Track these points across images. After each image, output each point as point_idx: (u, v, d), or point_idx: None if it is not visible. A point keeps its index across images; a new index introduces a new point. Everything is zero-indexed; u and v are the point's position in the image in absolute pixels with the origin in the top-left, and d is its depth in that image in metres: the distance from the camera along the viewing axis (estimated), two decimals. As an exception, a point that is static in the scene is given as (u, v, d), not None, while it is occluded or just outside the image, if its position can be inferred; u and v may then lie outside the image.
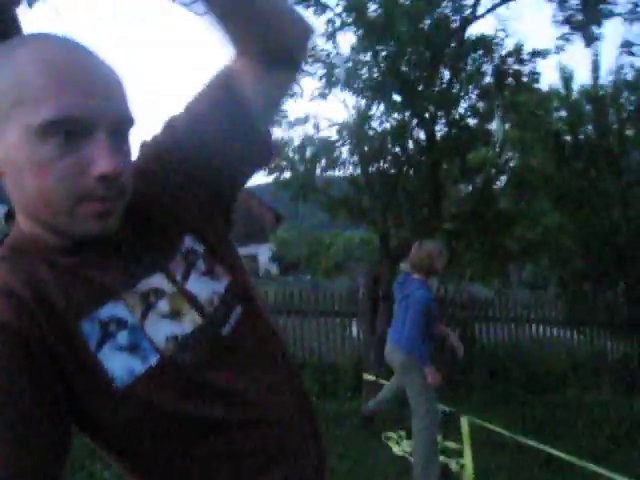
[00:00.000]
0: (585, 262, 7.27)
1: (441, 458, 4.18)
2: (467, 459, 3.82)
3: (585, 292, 7.24)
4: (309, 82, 6.55)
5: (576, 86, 7.34)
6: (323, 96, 5.66)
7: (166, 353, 0.77)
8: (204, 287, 0.85)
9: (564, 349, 7.13)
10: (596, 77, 7.23)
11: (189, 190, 0.90)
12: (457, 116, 5.31)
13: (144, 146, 0.92)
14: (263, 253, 24.91)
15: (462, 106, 5.62)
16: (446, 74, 5.62)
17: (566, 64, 7.53)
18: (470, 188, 6.14)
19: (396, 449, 4.55)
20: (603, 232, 7.07)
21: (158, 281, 0.81)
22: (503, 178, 6.54)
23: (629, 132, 7.20)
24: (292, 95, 5.68)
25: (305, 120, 5.61)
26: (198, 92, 0.91)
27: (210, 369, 0.80)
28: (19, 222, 0.79)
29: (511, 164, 6.88)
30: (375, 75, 4.94)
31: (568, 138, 7.30)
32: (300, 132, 5.58)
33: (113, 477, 3.48)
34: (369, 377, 5.28)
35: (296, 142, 5.47)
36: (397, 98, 5.01)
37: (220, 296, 0.86)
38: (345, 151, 5.30)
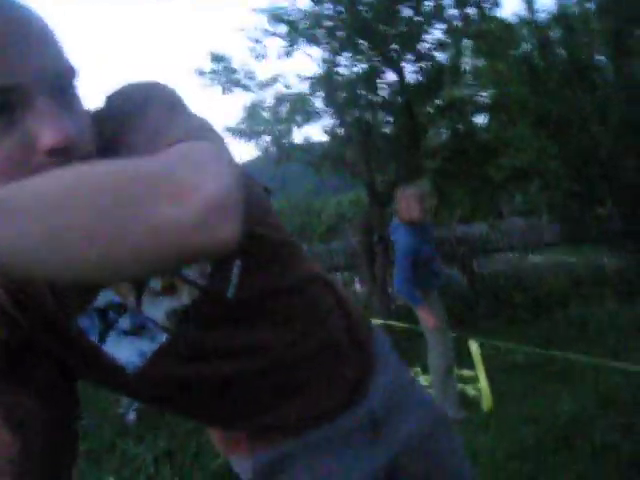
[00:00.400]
0: (572, 182, 7.31)
1: (458, 386, 4.29)
2: (482, 382, 3.92)
3: (575, 211, 7.30)
4: (273, 42, 6.50)
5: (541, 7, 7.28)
6: (288, 54, 5.63)
7: (170, 328, 0.76)
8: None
9: (563, 269, 7.24)
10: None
11: None
12: (423, 52, 5.30)
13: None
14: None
15: (428, 42, 5.59)
16: (407, 12, 5.58)
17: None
18: (448, 126, 6.13)
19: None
20: (585, 149, 7.10)
21: None
22: (481, 111, 6.51)
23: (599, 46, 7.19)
24: (258, 57, 5.65)
25: (274, 80, 5.58)
26: None
27: (218, 332, 0.78)
28: None
29: (485, 95, 6.87)
30: (337, 23, 4.90)
31: (539, 62, 7.27)
32: (271, 92, 5.56)
33: (147, 452, 3.54)
34: (376, 321, 5.38)
35: (269, 102, 5.45)
36: (362, 42, 4.99)
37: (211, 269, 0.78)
38: (319, 102, 5.30)
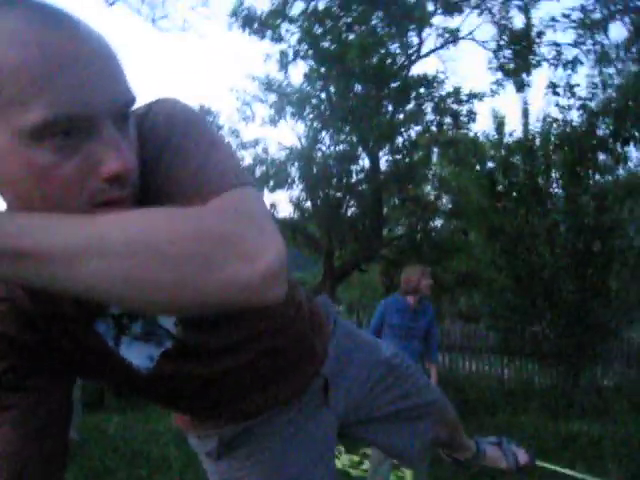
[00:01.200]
0: (515, 295, 7.65)
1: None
2: (406, 473, 3.93)
3: (515, 324, 7.59)
4: (261, 108, 6.82)
5: (508, 129, 7.88)
6: (273, 122, 5.90)
7: (178, 335, 0.80)
8: None
9: (495, 377, 7.43)
10: (526, 124, 7.82)
11: None
12: (399, 146, 5.65)
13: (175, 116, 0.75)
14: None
15: (404, 138, 5.97)
16: (390, 108, 5.99)
17: (499, 110, 8.11)
18: (408, 220, 6.44)
19: (336, 463, 4.59)
20: (532, 267, 7.50)
21: None
22: (441, 212, 6.88)
23: (555, 174, 7.76)
24: (245, 119, 5.90)
25: (256, 143, 5.81)
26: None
27: (215, 333, 0.83)
28: None
29: (446, 200, 7.27)
30: (324, 104, 5.22)
31: (500, 179, 7.79)
32: (251, 153, 5.77)
33: None
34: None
35: (247, 162, 5.64)
36: (344, 126, 5.30)
37: None
38: (294, 171, 5.51)
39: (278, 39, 5.47)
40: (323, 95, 5.32)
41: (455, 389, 6.83)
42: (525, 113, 7.90)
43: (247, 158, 5.75)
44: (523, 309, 7.66)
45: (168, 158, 0.67)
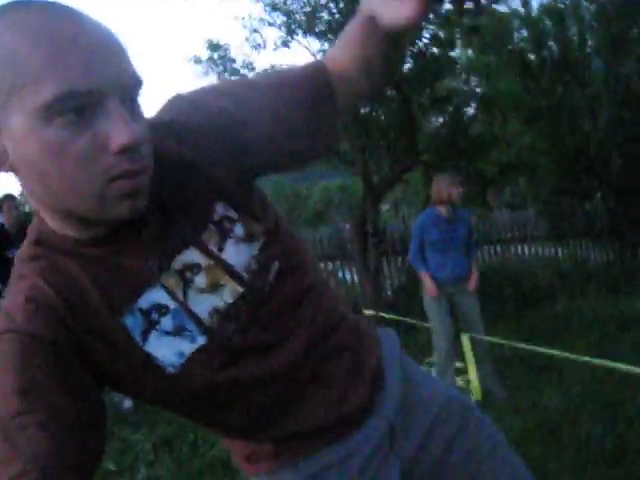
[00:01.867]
0: (560, 177, 7.43)
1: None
2: (472, 374, 4.04)
3: (563, 206, 7.43)
4: (271, 32, 6.54)
5: (535, 3, 7.34)
6: (286, 44, 5.64)
7: (213, 327, 0.77)
8: (241, 253, 0.80)
9: (549, 263, 7.38)
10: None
11: (232, 154, 0.80)
12: (421, 46, 5.34)
13: (179, 99, 0.83)
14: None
15: (424, 36, 5.63)
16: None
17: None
18: (442, 119, 6.19)
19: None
20: (574, 146, 7.21)
21: (192, 256, 0.77)
22: (473, 105, 6.58)
23: (590, 43, 7.27)
24: (256, 46, 5.65)
25: (272, 69, 5.60)
26: (281, 71, 0.93)
27: (253, 332, 0.80)
28: (41, 218, 0.75)
29: (479, 90, 6.93)
30: (335, 16, 4.92)
31: (532, 57, 7.34)
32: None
33: (145, 438, 3.59)
34: (369, 312, 5.47)
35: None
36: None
37: (256, 258, 0.81)
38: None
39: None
40: (332, 6, 5.00)
41: (510, 281, 6.84)
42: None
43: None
44: (571, 190, 7.47)
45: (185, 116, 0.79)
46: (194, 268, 0.77)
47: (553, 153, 7.27)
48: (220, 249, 0.79)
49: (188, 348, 0.76)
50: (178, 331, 0.76)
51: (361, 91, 0.90)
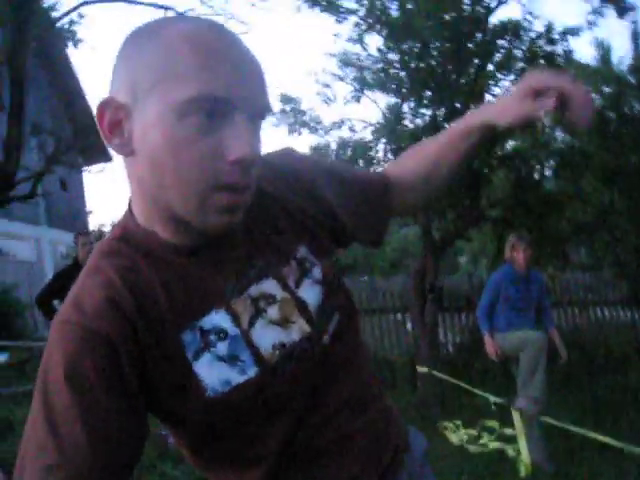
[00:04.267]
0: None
1: (498, 444, 4.24)
2: (523, 448, 3.85)
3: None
4: (341, 87, 6.76)
5: (615, 59, 7.15)
6: (356, 99, 5.79)
7: (271, 361, 0.77)
8: (315, 295, 0.83)
9: (625, 331, 6.95)
10: (636, 46, 7.03)
11: (325, 214, 0.91)
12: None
13: (292, 151, 0.96)
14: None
15: (494, 94, 5.62)
16: (475, 62, 5.62)
17: (602, 39, 7.35)
18: (511, 175, 6.08)
19: (453, 438, 4.61)
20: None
21: (270, 286, 0.80)
22: (546, 161, 6.42)
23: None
24: (326, 100, 5.85)
25: (340, 124, 5.76)
26: (359, 172, 1.13)
27: (305, 377, 0.81)
28: (135, 213, 0.78)
29: (553, 146, 6.76)
30: (403, 74, 5.03)
31: (612, 114, 7.11)
32: (336, 136, 5.73)
33: (184, 475, 3.70)
34: (422, 369, 5.36)
35: (333, 146, 5.62)
36: (428, 93, 5.09)
37: (324, 304, 0.84)
38: (381, 150, 5.42)
39: (348, 13, 5.31)
40: (398, 67, 5.12)
41: (581, 347, 6.49)
42: (635, 36, 7.10)
43: (332, 143, 5.71)
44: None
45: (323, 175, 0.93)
46: (269, 298, 0.79)
47: (633, 213, 6.94)
48: (297, 286, 0.82)
49: (235, 379, 0.76)
50: (231, 359, 0.76)
51: (416, 202, 1.09)
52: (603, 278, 7.55)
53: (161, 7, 8.17)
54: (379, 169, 5.37)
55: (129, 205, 0.80)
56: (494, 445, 4.32)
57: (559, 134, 6.74)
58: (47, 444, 0.66)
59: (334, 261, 0.92)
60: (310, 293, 0.83)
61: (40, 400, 0.69)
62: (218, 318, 0.76)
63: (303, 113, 5.79)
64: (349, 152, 5.37)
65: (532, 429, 3.87)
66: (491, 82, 5.77)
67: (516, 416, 3.94)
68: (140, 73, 0.69)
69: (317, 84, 5.85)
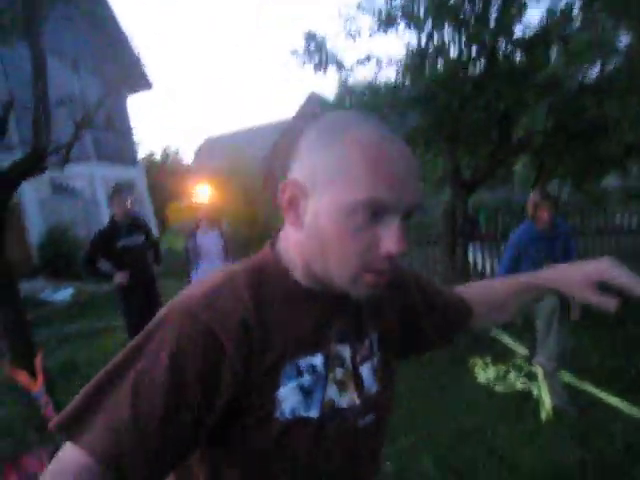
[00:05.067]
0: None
1: (524, 384, 4.34)
2: (543, 394, 3.93)
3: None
4: (367, 20, 6.44)
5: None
6: (385, 26, 5.49)
7: (324, 411, 0.88)
8: (369, 378, 0.96)
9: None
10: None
11: (410, 318, 1.10)
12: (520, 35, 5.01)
13: (416, 274, 1.16)
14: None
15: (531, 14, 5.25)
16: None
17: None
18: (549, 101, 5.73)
19: (481, 375, 4.72)
20: None
21: (345, 352, 0.92)
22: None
23: None
24: (352, 34, 5.61)
25: (366, 60, 5.57)
26: (448, 296, 1.21)
27: (335, 442, 0.90)
28: (282, 254, 0.91)
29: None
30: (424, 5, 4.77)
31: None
32: (361, 75, 5.56)
33: None
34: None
35: (359, 87, 5.47)
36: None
37: (370, 395, 0.96)
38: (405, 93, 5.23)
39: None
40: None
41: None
42: None
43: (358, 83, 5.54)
44: None
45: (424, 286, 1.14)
46: (340, 361, 0.92)
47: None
48: (361, 363, 0.96)
49: (300, 412, 0.86)
50: (307, 392, 0.86)
51: (478, 326, 1.25)
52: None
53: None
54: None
55: (272, 245, 0.94)
56: (520, 385, 4.42)
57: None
58: (124, 408, 0.74)
59: (394, 368, 1.05)
60: (367, 374, 0.96)
61: (133, 366, 0.77)
62: (316, 359, 0.88)
63: (328, 51, 5.61)
64: (373, 95, 5.21)
65: (554, 379, 3.94)
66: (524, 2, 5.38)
67: (537, 368, 4.02)
68: (321, 166, 0.81)
69: (341, 17, 5.60)
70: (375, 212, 0.79)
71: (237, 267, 0.89)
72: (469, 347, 5.20)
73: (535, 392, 4.20)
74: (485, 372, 4.78)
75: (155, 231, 15.08)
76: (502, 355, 5.01)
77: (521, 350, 4.86)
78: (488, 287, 1.24)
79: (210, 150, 28.78)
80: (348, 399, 0.91)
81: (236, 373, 0.79)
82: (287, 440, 0.85)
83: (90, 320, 8.13)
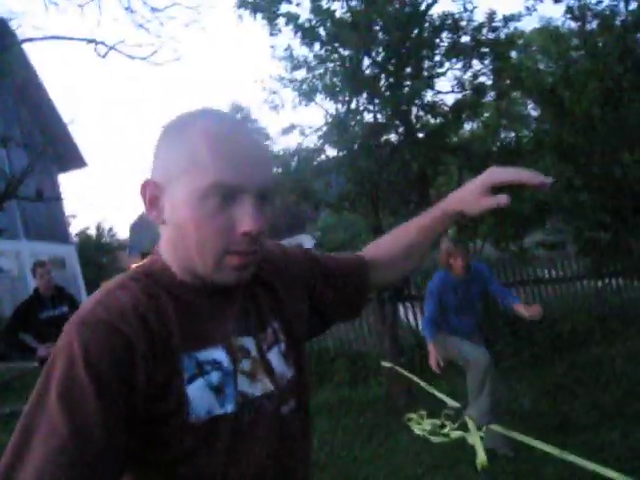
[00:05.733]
0: (601, 213, 7.16)
1: (459, 433, 4.39)
2: (477, 446, 3.99)
3: (605, 242, 7.12)
4: (289, 93, 6.79)
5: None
6: (306, 98, 5.78)
7: (239, 404, 0.89)
8: (279, 364, 0.98)
9: (589, 306, 7.10)
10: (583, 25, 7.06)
11: (309, 295, 1.13)
12: (431, 99, 5.42)
13: (304, 249, 1.22)
14: (308, 241, 25.42)
15: (442, 84, 5.69)
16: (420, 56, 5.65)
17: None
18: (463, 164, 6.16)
19: (417, 429, 4.75)
20: (614, 180, 6.94)
21: (248, 343, 0.95)
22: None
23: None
24: (274, 107, 5.90)
25: (290, 129, 5.83)
26: (340, 258, 1.25)
27: (262, 431, 0.92)
28: (162, 257, 0.94)
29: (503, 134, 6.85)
30: (340, 78, 5.10)
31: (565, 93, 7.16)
32: (284, 144, 5.80)
33: None
34: (386, 364, 5.50)
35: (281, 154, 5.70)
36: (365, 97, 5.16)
37: (287, 381, 0.99)
38: (329, 155, 5.49)
39: (294, 18, 5.31)
40: (338, 71, 5.17)
41: (546, 325, 6.62)
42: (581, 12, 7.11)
43: (279, 150, 5.78)
44: (613, 226, 7.17)
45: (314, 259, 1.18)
46: (245, 353, 0.94)
47: (590, 189, 7.04)
48: (268, 350, 0.98)
49: (216, 410, 0.86)
50: (218, 390, 0.87)
51: (391, 279, 1.31)
52: (567, 254, 7.68)
53: (92, 41, 8.31)
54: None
55: (156, 251, 0.97)
56: (455, 434, 4.47)
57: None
58: (61, 428, 0.71)
59: (304, 349, 1.09)
60: (276, 360, 0.98)
61: (54, 388, 0.75)
62: (215, 353, 0.89)
63: (255, 120, 5.85)
64: (295, 161, 5.44)
65: (488, 430, 4.02)
66: (435, 73, 5.84)
67: (469, 421, 4.10)
68: (172, 161, 0.87)
69: (265, 91, 5.89)
70: (225, 195, 0.84)
71: (124, 274, 0.92)
72: (406, 402, 5.26)
73: (469, 440, 4.26)
74: (421, 425, 4.82)
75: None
76: (438, 408, 5.08)
77: (453, 403, 4.94)
78: (393, 234, 1.27)
79: (145, 225, 28.47)
80: (261, 386, 0.93)
81: (147, 363, 0.80)
82: (207, 442, 0.85)
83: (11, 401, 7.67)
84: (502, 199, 1.06)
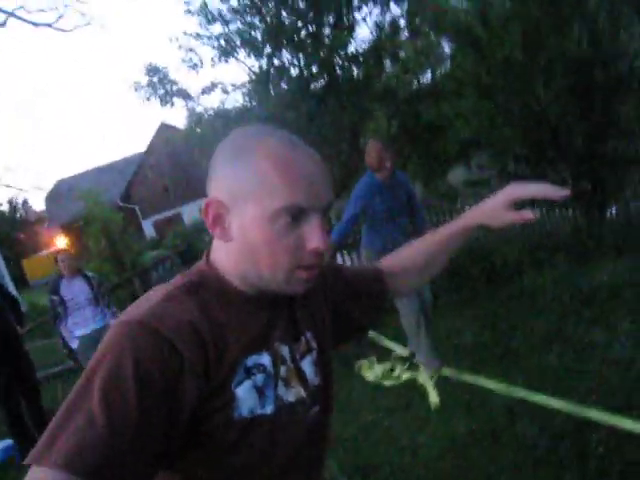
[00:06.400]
0: (522, 147, 7.41)
1: (410, 374, 4.54)
2: (429, 389, 4.14)
3: (527, 176, 7.40)
4: (207, 50, 6.50)
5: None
6: (225, 55, 5.57)
7: (276, 407, 0.94)
8: (310, 372, 1.04)
9: (516, 238, 7.42)
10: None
11: (341, 310, 1.19)
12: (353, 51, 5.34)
13: (339, 266, 1.29)
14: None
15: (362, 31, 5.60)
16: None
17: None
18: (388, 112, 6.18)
19: (368, 374, 4.88)
20: (533, 114, 7.15)
21: (284, 351, 1.00)
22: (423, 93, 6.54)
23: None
24: (193, 67, 5.65)
25: (211, 88, 5.62)
26: (363, 270, 1.33)
27: (288, 434, 0.97)
28: (218, 267, 0.96)
29: (428, 75, 6.88)
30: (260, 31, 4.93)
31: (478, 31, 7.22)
32: (208, 103, 5.60)
33: None
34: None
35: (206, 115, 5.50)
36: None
37: (314, 387, 1.05)
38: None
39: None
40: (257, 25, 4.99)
41: (478, 260, 6.87)
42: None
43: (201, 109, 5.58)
44: (534, 159, 7.45)
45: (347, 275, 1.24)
46: (283, 360, 0.99)
47: (511, 124, 7.23)
48: (301, 358, 1.03)
49: (257, 410, 0.92)
50: (261, 391, 0.92)
51: (409, 288, 1.39)
52: (492, 189, 7.90)
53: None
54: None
55: (207, 258, 0.99)
56: (406, 376, 4.62)
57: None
58: (98, 422, 0.73)
59: (330, 358, 1.13)
60: (308, 368, 1.04)
61: (98, 381, 0.76)
62: (264, 358, 0.94)
63: (173, 83, 5.58)
64: (223, 121, 5.26)
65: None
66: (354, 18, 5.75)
67: (420, 364, 4.26)
68: (237, 182, 0.89)
69: (181, 49, 5.61)
70: (295, 215, 0.87)
71: (172, 283, 0.94)
72: (355, 352, 5.35)
73: (420, 380, 4.42)
74: (372, 370, 4.95)
75: (12, 289, 13.89)
76: (387, 354, 5.21)
77: (400, 350, 5.09)
78: (410, 249, 1.34)
79: (62, 194, 27.08)
80: (295, 393, 0.99)
81: (198, 377, 0.83)
82: (246, 438, 0.90)
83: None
84: (527, 215, 1.12)
